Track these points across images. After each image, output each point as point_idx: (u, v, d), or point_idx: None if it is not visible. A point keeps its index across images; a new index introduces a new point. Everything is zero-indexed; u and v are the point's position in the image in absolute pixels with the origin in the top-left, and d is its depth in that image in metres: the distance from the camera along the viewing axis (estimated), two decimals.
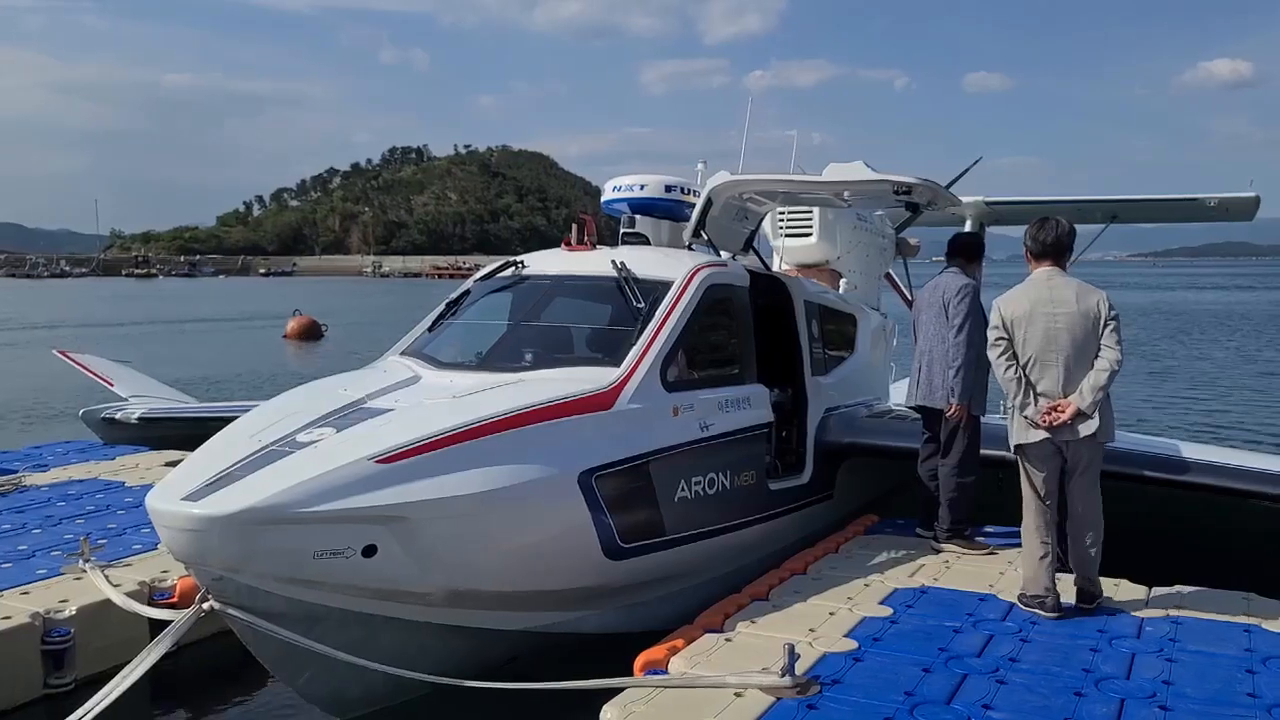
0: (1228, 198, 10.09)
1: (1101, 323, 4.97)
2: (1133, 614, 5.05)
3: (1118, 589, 5.38)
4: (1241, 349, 29.70)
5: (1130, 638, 4.74)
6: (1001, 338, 5.10)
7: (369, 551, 4.14)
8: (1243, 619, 4.99)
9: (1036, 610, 5.07)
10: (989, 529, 6.59)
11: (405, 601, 4.42)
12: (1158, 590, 5.36)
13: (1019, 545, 6.33)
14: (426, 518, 4.22)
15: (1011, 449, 5.19)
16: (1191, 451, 6.77)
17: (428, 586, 4.40)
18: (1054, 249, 5.18)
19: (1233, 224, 10.60)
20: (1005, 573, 5.80)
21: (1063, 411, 4.92)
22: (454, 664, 4.50)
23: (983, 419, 6.39)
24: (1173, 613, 5.06)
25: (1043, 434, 4.98)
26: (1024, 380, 5.02)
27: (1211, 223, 11.11)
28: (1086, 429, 4.94)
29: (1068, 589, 5.14)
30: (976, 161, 10.95)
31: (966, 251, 6.57)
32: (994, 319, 5.16)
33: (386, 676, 4.36)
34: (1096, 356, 4.96)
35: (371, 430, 4.43)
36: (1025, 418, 5.02)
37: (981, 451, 6.37)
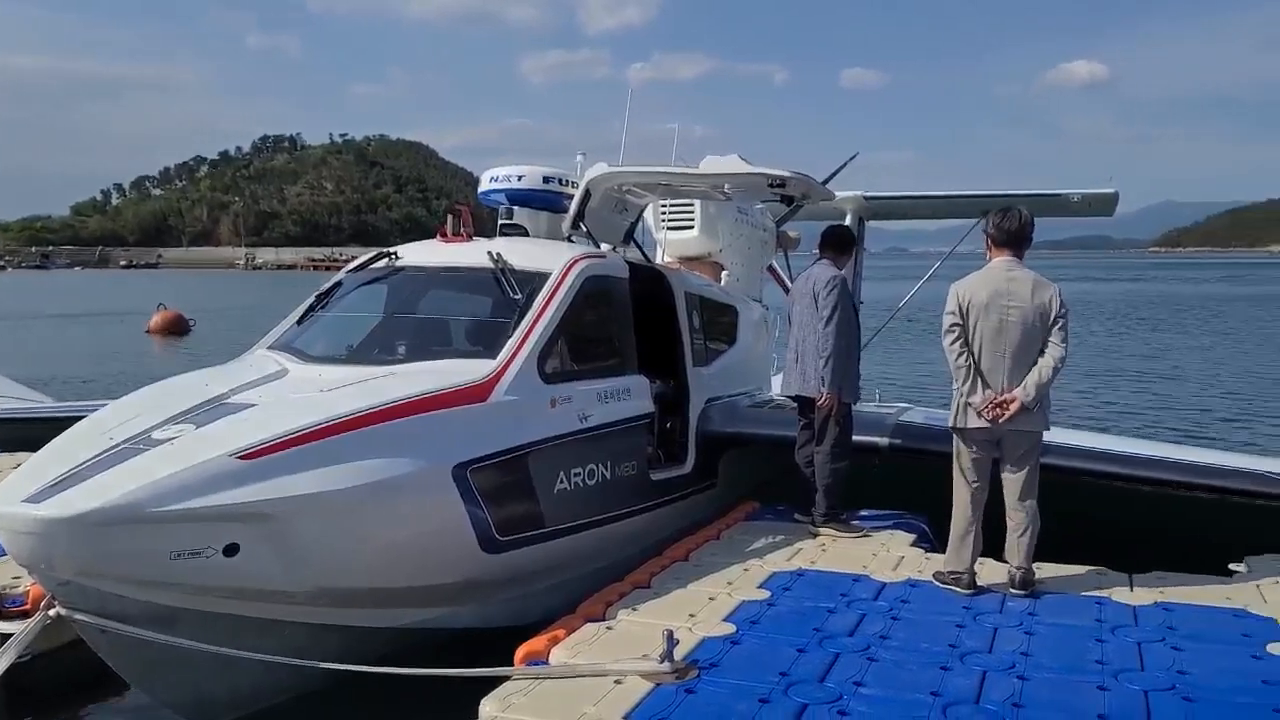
0: (1090, 194, 10.52)
1: (1052, 318, 5.07)
2: (997, 591, 5.25)
3: (982, 567, 5.60)
4: (1091, 337, 31.45)
5: (994, 613, 4.94)
6: (956, 323, 5.12)
7: (230, 551, 4.00)
8: (1095, 592, 5.25)
9: (953, 587, 5.21)
10: (864, 512, 6.78)
11: (272, 601, 4.29)
12: None
13: (891, 527, 6.59)
14: (292, 514, 4.10)
15: (951, 429, 5.26)
16: (1071, 439, 7.07)
17: (295, 585, 4.27)
18: (1016, 238, 5.22)
19: (1092, 219, 11.08)
20: (878, 554, 5.99)
21: (1007, 408, 5.01)
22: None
23: (856, 406, 6.58)
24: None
25: (984, 422, 5.08)
26: (973, 368, 5.08)
27: (1075, 218, 11.58)
28: (1027, 422, 5.08)
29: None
30: (853, 157, 11.20)
31: (837, 244, 6.73)
32: (951, 304, 5.15)
33: (252, 679, 4.22)
34: (1041, 351, 5.06)
35: (233, 426, 4.27)
36: (969, 405, 5.09)
37: (855, 438, 6.56)
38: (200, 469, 3.93)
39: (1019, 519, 5.22)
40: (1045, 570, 5.46)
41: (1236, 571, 5.66)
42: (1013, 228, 5.23)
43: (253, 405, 4.53)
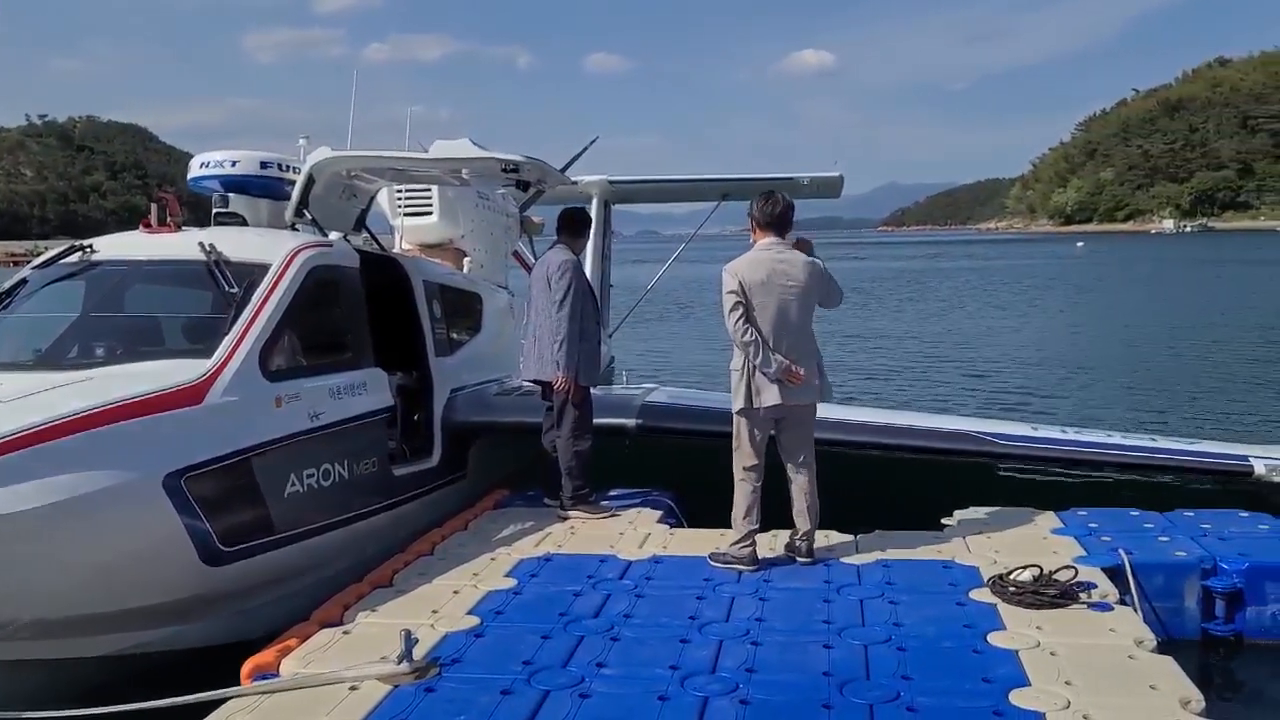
0: (818, 177, 11.05)
1: (821, 297, 5.48)
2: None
3: (724, 538, 5.78)
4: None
5: (731, 583, 5.13)
6: (739, 302, 5.22)
7: None
8: (824, 555, 5.53)
9: (739, 566, 5.30)
10: (613, 492, 6.86)
11: None
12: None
13: (640, 505, 6.71)
14: None
15: (737, 411, 5.33)
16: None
17: None
18: (779, 220, 5.45)
19: (827, 201, 11.81)
20: (625, 533, 6.08)
21: (798, 375, 5.24)
22: (30, 703, 3.93)
23: (604, 388, 6.63)
24: (768, 554, 5.51)
25: (776, 398, 5.21)
26: (762, 343, 5.19)
27: (811, 199, 12.21)
28: (812, 394, 5.38)
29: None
30: (593, 141, 11.24)
31: (570, 227, 6.75)
32: (731, 283, 5.25)
33: None
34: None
35: None
36: (765, 374, 5.19)
37: (600, 420, 6.61)
38: None
39: (805, 491, 5.44)
40: (780, 538, 5.68)
41: (947, 526, 6.17)
42: (775, 211, 5.50)
43: None
